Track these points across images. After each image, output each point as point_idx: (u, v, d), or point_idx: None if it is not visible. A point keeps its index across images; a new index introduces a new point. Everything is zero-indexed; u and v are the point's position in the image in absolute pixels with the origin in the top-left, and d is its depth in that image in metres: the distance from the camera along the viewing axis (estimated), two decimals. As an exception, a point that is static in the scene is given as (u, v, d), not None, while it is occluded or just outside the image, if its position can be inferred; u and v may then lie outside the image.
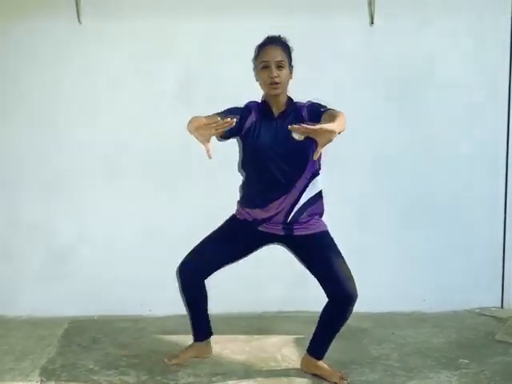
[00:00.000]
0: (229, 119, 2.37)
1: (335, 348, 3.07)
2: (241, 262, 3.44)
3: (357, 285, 3.68)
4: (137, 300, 3.61)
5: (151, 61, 3.56)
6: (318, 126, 2.36)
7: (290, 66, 2.73)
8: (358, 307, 3.61)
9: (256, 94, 3.61)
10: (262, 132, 2.70)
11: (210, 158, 2.43)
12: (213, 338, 3.23)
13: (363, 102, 3.61)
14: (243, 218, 2.82)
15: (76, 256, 3.62)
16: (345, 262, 2.76)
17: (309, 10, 3.56)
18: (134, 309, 3.60)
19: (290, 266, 3.68)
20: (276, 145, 2.65)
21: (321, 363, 2.82)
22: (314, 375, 2.82)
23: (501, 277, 3.75)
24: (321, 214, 2.85)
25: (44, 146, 3.58)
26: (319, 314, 2.81)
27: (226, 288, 3.57)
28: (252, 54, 3.57)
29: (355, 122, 3.61)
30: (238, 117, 2.58)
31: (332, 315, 2.74)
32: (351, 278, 2.71)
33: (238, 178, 3.51)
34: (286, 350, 3.12)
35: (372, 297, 3.66)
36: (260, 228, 2.79)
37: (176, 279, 3.51)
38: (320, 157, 2.66)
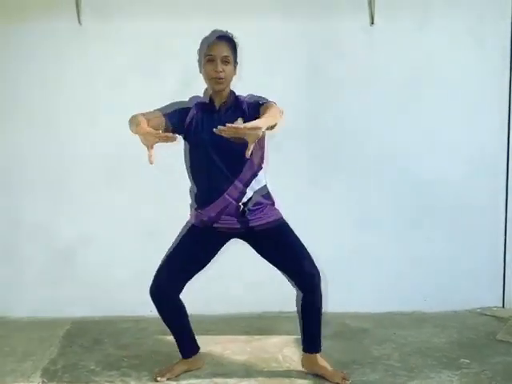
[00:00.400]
0: (171, 134, 2.41)
1: (336, 348, 3.09)
2: (241, 262, 3.46)
3: (357, 285, 3.71)
4: (138, 301, 3.58)
5: (151, 61, 3.56)
6: (241, 126, 2.38)
7: (235, 63, 2.76)
8: (359, 307, 3.64)
9: (257, 92, 3.61)
10: (204, 125, 2.71)
11: (151, 163, 2.42)
12: (214, 339, 3.24)
13: (363, 102, 3.61)
14: (199, 219, 2.80)
15: (78, 257, 3.63)
16: (304, 247, 2.80)
17: (309, 11, 3.56)
18: (135, 309, 3.60)
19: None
20: (218, 136, 2.52)
21: (322, 361, 2.82)
22: (316, 375, 2.81)
23: (502, 276, 3.75)
24: (273, 204, 2.84)
25: (45, 146, 3.58)
26: (297, 310, 2.87)
27: (226, 288, 3.58)
28: (252, 54, 3.58)
29: (355, 122, 3.64)
30: (181, 136, 2.64)
31: (310, 303, 2.80)
32: (312, 261, 2.79)
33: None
34: (287, 351, 3.12)
35: (373, 297, 3.67)
36: (216, 225, 2.75)
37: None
38: (263, 152, 2.77)
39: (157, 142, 2.43)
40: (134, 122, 2.55)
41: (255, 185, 2.76)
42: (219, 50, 2.67)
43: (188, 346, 2.89)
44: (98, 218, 3.62)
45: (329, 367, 2.81)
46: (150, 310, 3.60)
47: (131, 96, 3.56)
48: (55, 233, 3.62)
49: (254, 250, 3.48)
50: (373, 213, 3.69)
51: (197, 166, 2.80)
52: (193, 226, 2.85)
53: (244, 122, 2.54)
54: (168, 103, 3.51)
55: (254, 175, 2.76)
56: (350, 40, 3.59)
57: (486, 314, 3.65)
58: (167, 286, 2.75)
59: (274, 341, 3.26)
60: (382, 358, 3.02)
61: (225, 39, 2.72)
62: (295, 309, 3.63)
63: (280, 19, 3.52)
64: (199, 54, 2.80)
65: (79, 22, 3.49)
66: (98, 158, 3.59)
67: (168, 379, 2.80)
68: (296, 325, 3.45)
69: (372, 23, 3.56)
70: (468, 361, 2.98)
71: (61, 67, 3.54)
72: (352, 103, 3.62)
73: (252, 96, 2.82)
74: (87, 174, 3.60)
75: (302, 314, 2.83)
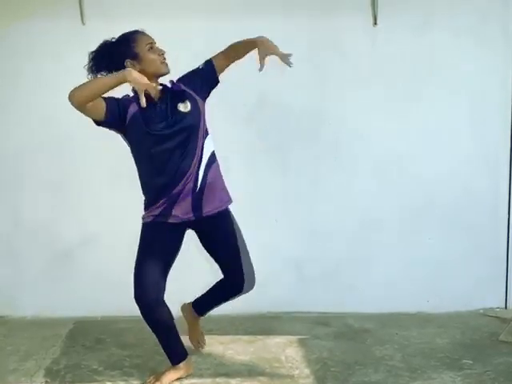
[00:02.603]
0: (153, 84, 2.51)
1: (339, 348, 3.09)
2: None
3: (360, 285, 3.71)
4: (140, 300, 3.60)
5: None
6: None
7: None
8: (362, 307, 3.64)
9: (259, 92, 3.62)
10: (150, 118, 2.67)
11: (143, 105, 2.51)
12: (217, 339, 3.24)
13: (365, 103, 3.61)
14: (152, 217, 2.77)
15: (80, 256, 3.63)
16: (245, 246, 2.90)
17: (312, 10, 3.56)
18: (137, 310, 3.58)
19: (294, 267, 3.69)
20: (169, 123, 2.67)
21: (198, 321, 3.08)
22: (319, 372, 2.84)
23: (504, 277, 3.74)
24: (222, 181, 2.87)
25: (47, 146, 3.59)
26: (215, 284, 2.94)
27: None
28: (253, 54, 3.59)
29: (357, 122, 3.64)
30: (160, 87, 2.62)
31: (225, 295, 2.94)
32: (241, 267, 2.89)
33: (239, 179, 3.52)
34: (290, 351, 3.12)
35: (376, 297, 3.67)
36: (171, 220, 2.73)
37: (178, 280, 3.51)
38: (205, 118, 2.78)
39: (145, 88, 2.49)
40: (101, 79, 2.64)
41: (206, 153, 2.76)
42: (150, 38, 2.71)
43: (177, 351, 2.79)
44: (100, 218, 3.63)
45: (198, 328, 3.09)
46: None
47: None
48: (57, 232, 3.63)
49: (258, 251, 3.47)
50: (375, 213, 3.68)
51: (150, 159, 2.73)
52: (147, 223, 2.80)
53: (190, 102, 2.70)
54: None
55: (204, 143, 2.76)
56: (353, 40, 3.60)
57: (488, 315, 3.64)
58: (152, 288, 2.67)
59: (276, 341, 3.26)
60: (384, 359, 3.02)
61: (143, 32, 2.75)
62: (298, 309, 3.65)
63: (282, 19, 3.52)
64: (129, 53, 2.66)
65: (82, 22, 3.50)
66: (98, 158, 3.59)
67: None
68: (299, 325, 3.47)
69: (375, 23, 3.57)
70: (471, 361, 2.97)
71: (63, 66, 3.54)
72: (354, 103, 3.62)
73: (178, 78, 2.80)
74: (88, 174, 3.60)
75: (215, 290, 2.95)
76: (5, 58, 3.55)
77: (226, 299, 2.96)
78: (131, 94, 2.71)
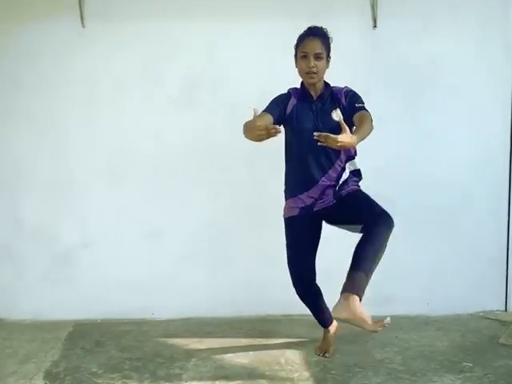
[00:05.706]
0: (276, 128, 2.53)
1: (339, 351, 3.08)
2: (245, 265, 3.47)
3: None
4: (140, 303, 3.61)
5: (155, 64, 3.57)
6: (335, 139, 2.53)
7: (328, 57, 2.88)
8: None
9: (260, 94, 3.61)
10: (303, 115, 2.86)
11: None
12: (217, 341, 3.24)
13: (366, 105, 3.61)
14: (298, 207, 2.91)
15: (79, 259, 3.63)
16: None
17: (311, 12, 3.56)
18: (137, 312, 3.60)
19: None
20: (317, 126, 2.79)
21: (360, 306, 2.62)
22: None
23: (504, 280, 3.74)
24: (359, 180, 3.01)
25: (48, 149, 3.59)
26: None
27: (229, 291, 3.58)
28: (253, 55, 3.60)
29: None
30: (281, 128, 2.68)
31: (367, 235, 2.71)
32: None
33: (239, 183, 3.53)
34: (290, 353, 3.12)
35: (376, 299, 3.66)
36: (315, 208, 2.91)
37: (178, 283, 3.53)
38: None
39: (264, 138, 2.54)
40: (247, 123, 2.66)
41: (351, 166, 2.93)
42: (312, 46, 2.81)
43: (327, 317, 3.06)
44: (100, 220, 3.63)
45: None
46: (151, 312, 3.64)
47: (134, 99, 3.57)
48: (57, 235, 3.63)
49: (258, 254, 3.48)
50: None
51: (296, 154, 2.91)
52: (292, 218, 2.94)
53: (341, 113, 2.77)
54: (172, 104, 3.54)
55: (351, 158, 2.93)
56: (353, 43, 3.60)
57: (488, 318, 3.64)
58: (306, 274, 3.01)
59: (276, 344, 3.25)
60: (384, 362, 3.02)
61: (318, 36, 2.84)
62: (298, 312, 3.64)
63: (282, 21, 3.52)
64: (295, 50, 2.90)
65: (82, 24, 3.50)
66: (99, 160, 3.60)
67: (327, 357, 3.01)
68: (298, 328, 3.46)
69: (374, 26, 3.57)
70: (471, 364, 2.97)
71: (63, 69, 3.56)
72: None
73: (348, 89, 2.91)
74: (88, 176, 3.61)
75: (355, 248, 2.76)
76: (5, 61, 3.55)
77: (366, 242, 2.71)
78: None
